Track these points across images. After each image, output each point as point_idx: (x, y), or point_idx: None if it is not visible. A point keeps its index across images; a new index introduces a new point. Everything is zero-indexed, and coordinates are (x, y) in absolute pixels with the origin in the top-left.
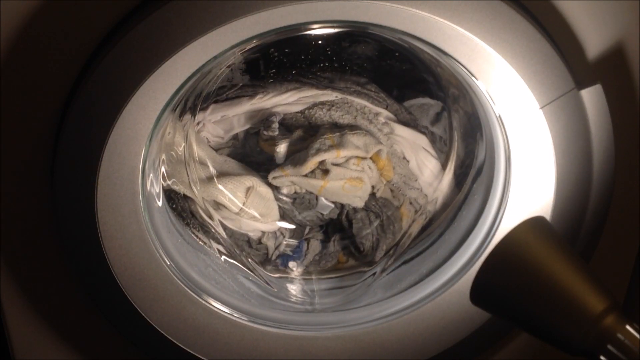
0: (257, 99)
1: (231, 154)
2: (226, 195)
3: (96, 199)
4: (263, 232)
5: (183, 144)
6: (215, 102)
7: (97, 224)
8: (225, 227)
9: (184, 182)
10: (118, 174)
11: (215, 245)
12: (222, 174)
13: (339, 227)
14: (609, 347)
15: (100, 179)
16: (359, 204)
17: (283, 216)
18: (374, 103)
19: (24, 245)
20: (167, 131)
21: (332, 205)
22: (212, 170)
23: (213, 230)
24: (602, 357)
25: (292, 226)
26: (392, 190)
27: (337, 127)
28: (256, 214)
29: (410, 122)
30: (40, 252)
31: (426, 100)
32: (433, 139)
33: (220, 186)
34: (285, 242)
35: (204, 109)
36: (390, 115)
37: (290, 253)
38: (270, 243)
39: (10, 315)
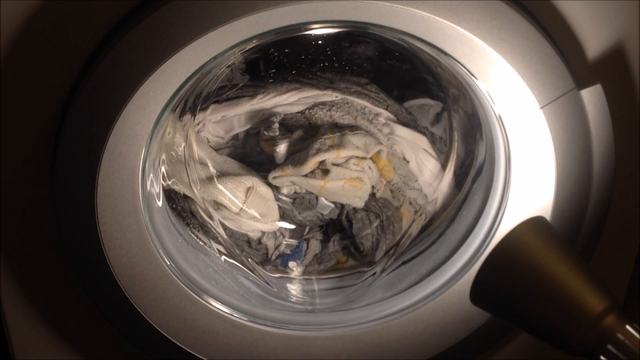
0: (257, 99)
1: (231, 154)
2: (226, 195)
3: (96, 199)
4: (263, 232)
5: (183, 144)
6: (216, 102)
7: (97, 224)
8: (225, 227)
9: (184, 182)
10: (118, 174)
11: (215, 245)
12: (222, 174)
13: (338, 227)
14: (609, 347)
15: (100, 179)
16: (359, 204)
17: (283, 216)
18: (374, 103)
19: (24, 245)
20: (167, 131)
21: (332, 206)
22: (212, 170)
23: (213, 230)
24: (602, 357)
25: (292, 226)
26: (392, 191)
27: (337, 128)
28: (256, 214)
29: (410, 123)
30: (40, 252)
31: (426, 100)
32: (433, 140)
33: (220, 186)
34: (285, 242)
35: (204, 109)
36: (391, 115)
37: (290, 253)
38: (270, 243)
39: (10, 315)
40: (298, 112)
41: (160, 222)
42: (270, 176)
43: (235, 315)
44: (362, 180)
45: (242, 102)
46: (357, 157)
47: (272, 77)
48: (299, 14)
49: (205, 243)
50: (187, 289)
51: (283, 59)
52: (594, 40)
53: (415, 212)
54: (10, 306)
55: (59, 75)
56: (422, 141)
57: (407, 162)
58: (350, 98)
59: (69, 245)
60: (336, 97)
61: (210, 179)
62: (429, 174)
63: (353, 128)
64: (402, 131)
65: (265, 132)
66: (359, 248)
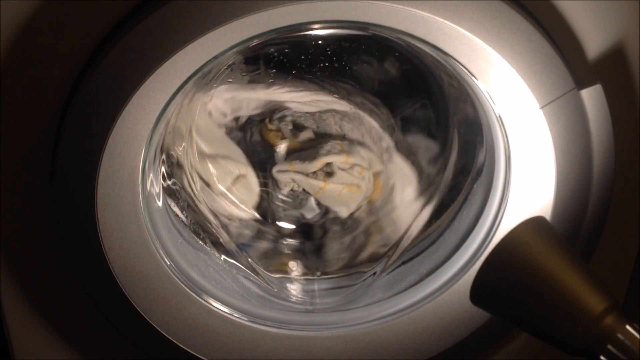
0: (272, 89)
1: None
2: (213, 176)
3: (96, 199)
4: (231, 218)
5: (183, 143)
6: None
7: (97, 224)
8: (199, 201)
9: (180, 149)
10: (118, 174)
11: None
12: (217, 154)
13: (308, 231)
14: (609, 347)
15: (100, 179)
16: (346, 213)
17: (265, 212)
18: (382, 126)
19: (24, 245)
20: (173, 112)
21: (318, 211)
22: (207, 146)
23: (193, 204)
24: (602, 357)
25: (292, 226)
26: (368, 213)
27: (344, 138)
28: (236, 201)
29: (407, 156)
30: (40, 252)
31: (428, 142)
32: (422, 177)
33: (210, 165)
34: (284, 243)
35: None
36: (391, 143)
37: (243, 243)
38: (233, 228)
39: (10, 315)
40: (308, 113)
41: (160, 222)
42: (275, 169)
43: (235, 315)
44: (360, 188)
45: (257, 87)
46: (361, 166)
47: (272, 77)
48: (299, 14)
49: (205, 243)
50: (187, 289)
51: (284, 59)
52: (594, 40)
53: (384, 244)
54: (10, 306)
55: (59, 75)
56: (412, 177)
57: (392, 191)
58: (362, 113)
59: (69, 245)
60: (350, 109)
61: (202, 154)
62: (407, 209)
63: (359, 143)
64: (398, 161)
65: (277, 123)
66: (319, 255)
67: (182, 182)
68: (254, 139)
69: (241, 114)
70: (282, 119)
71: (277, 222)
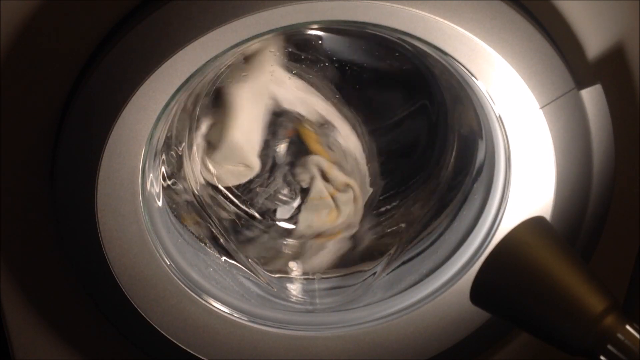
0: (328, 104)
1: None
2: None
3: (96, 199)
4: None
5: (183, 144)
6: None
7: (97, 224)
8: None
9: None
10: (118, 174)
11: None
12: (243, 126)
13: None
14: (609, 347)
15: (100, 179)
16: (307, 230)
17: (242, 189)
18: (372, 184)
19: (24, 245)
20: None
21: (288, 216)
22: (243, 105)
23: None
24: (602, 357)
25: (292, 226)
26: (307, 238)
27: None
28: (213, 170)
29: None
30: (40, 252)
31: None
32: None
33: (230, 133)
34: (284, 243)
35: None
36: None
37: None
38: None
39: (10, 315)
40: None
41: (160, 222)
42: (313, 160)
43: (235, 315)
44: (337, 218)
45: (318, 97)
46: (357, 206)
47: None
48: (299, 14)
49: (205, 244)
50: (187, 289)
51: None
52: (594, 40)
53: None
54: (10, 306)
55: (59, 75)
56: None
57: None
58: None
59: (69, 245)
60: (363, 163)
61: (232, 113)
62: (326, 256)
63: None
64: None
65: (316, 128)
66: (244, 244)
67: (184, 124)
68: (286, 126)
69: (293, 107)
70: (336, 137)
71: (243, 204)
